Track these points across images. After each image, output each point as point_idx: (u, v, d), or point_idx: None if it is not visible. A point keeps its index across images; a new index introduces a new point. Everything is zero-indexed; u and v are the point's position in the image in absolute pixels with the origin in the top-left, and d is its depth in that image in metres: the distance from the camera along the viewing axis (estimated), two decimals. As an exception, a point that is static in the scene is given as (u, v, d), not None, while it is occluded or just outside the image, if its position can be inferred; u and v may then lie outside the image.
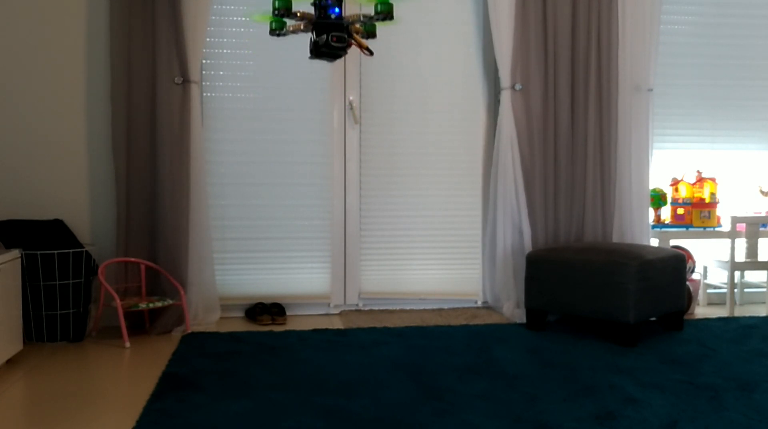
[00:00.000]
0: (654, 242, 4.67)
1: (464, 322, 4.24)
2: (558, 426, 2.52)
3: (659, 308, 3.84)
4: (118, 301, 3.76)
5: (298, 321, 4.34)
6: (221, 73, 4.42)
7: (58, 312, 3.76)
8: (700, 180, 4.68)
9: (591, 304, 3.78)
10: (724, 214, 4.85)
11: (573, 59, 4.49)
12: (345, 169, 4.57)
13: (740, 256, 4.51)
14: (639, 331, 3.92)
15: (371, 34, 3.17)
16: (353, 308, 4.64)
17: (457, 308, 4.67)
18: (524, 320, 4.19)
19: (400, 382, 3.04)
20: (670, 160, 4.94)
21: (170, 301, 3.98)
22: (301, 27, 3.05)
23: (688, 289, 4.45)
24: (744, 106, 5.01)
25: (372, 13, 3.05)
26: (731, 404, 2.75)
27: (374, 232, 4.66)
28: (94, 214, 4.24)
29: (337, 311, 4.60)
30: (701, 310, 4.68)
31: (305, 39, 4.45)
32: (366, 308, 4.65)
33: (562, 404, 2.76)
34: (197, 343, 3.70)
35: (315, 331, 4.02)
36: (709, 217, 4.62)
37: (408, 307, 4.69)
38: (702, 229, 4.63)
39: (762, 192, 4.90)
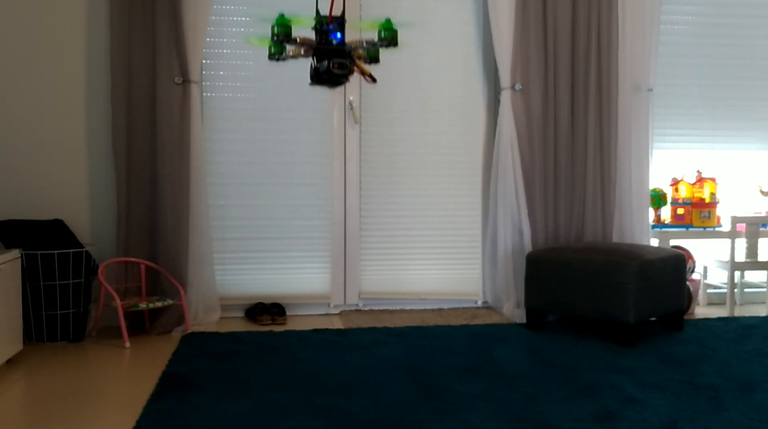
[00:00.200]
0: (654, 242, 4.67)
1: (464, 322, 4.24)
2: (558, 426, 2.52)
3: (659, 308, 3.84)
4: (118, 301, 3.76)
5: (298, 321, 4.34)
6: (221, 73, 4.42)
7: (58, 312, 3.76)
8: (700, 180, 4.68)
9: (591, 304, 3.78)
10: (724, 214, 4.85)
11: (573, 59, 4.49)
12: (345, 169, 4.57)
13: (740, 256, 4.51)
14: (639, 331, 3.92)
15: (374, 59, 3.06)
16: (353, 308, 4.64)
17: (457, 308, 4.67)
18: (524, 320, 4.19)
19: (400, 382, 3.04)
20: (670, 160, 4.94)
21: (170, 301, 3.98)
22: (302, 52, 2.96)
23: (688, 289, 4.45)
24: (744, 106, 5.01)
25: (375, 39, 2.96)
26: (731, 404, 2.75)
27: (374, 232, 4.66)
28: (94, 214, 4.24)
29: (337, 311, 4.60)
30: (701, 310, 4.68)
31: (307, 34, 4.45)
32: (366, 308, 4.65)
33: (562, 404, 2.76)
34: (197, 343, 3.70)
35: (315, 331, 4.02)
36: (709, 217, 4.62)
37: (408, 307, 4.69)
38: (702, 229, 4.63)
39: (762, 192, 4.90)
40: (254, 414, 2.64)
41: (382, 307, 4.67)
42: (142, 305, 3.85)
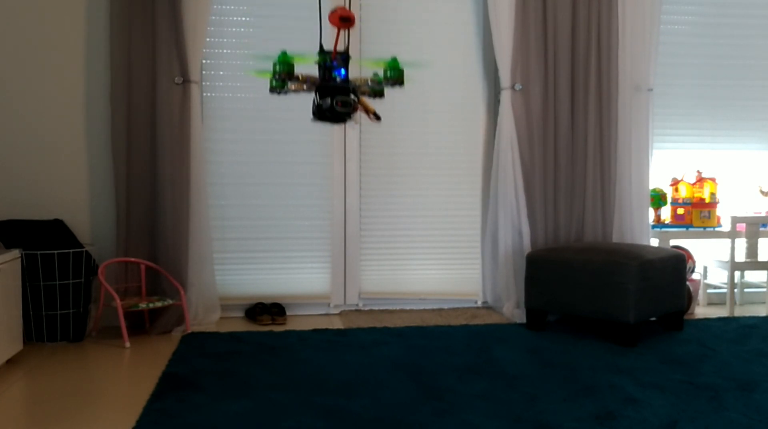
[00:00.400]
0: (654, 242, 4.67)
1: (464, 322, 4.24)
2: (558, 426, 2.52)
3: (659, 308, 3.84)
4: (118, 301, 3.76)
5: (298, 321, 4.34)
6: (221, 73, 4.42)
7: (58, 312, 3.76)
8: (700, 180, 4.68)
9: (591, 304, 3.78)
10: (724, 214, 4.85)
11: (573, 59, 4.49)
12: (345, 169, 4.57)
13: (740, 256, 4.51)
14: (639, 331, 3.92)
15: (379, 93, 2.98)
16: (353, 308, 4.64)
17: (457, 308, 4.67)
18: (524, 320, 4.19)
19: (400, 382, 3.04)
20: (670, 160, 4.94)
21: (170, 301, 3.98)
22: (304, 87, 2.87)
23: (688, 289, 4.45)
24: (744, 106, 5.01)
25: (380, 76, 2.87)
26: (731, 404, 2.75)
27: (374, 232, 4.66)
28: (94, 214, 4.24)
29: (337, 311, 4.60)
30: (701, 310, 4.68)
31: (306, 37, 4.46)
32: (366, 308, 4.65)
33: (562, 404, 2.76)
34: (197, 343, 3.70)
35: (315, 331, 4.02)
36: (709, 217, 4.61)
37: (408, 307, 4.69)
38: (702, 229, 4.63)
39: (762, 192, 4.90)
40: (254, 414, 2.64)
41: (382, 307, 4.67)
42: (142, 305, 3.85)
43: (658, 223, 4.73)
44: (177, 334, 3.97)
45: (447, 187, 4.71)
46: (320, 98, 2.81)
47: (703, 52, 4.93)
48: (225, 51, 4.40)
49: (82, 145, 4.21)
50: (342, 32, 2.79)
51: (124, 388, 3.01)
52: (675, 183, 4.74)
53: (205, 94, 4.39)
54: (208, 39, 4.34)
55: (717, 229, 4.65)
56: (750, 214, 4.86)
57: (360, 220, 4.62)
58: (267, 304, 4.44)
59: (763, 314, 4.50)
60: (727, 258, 4.49)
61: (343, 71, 2.81)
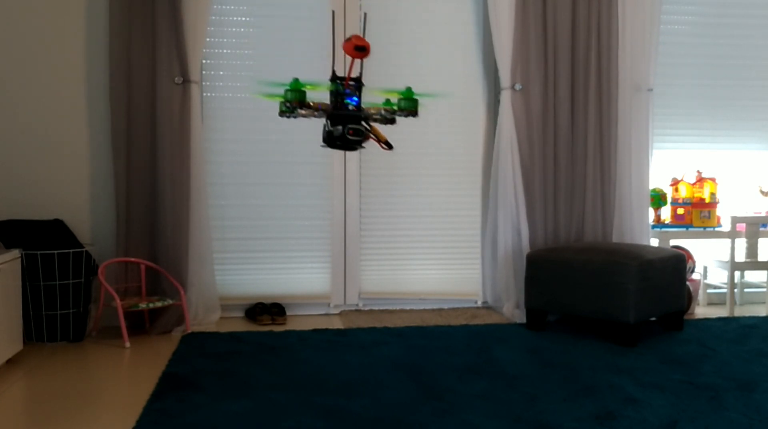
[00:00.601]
0: (654, 242, 4.67)
1: (464, 322, 4.24)
2: (558, 426, 2.52)
3: (659, 308, 3.84)
4: (118, 301, 3.76)
5: (298, 321, 4.34)
6: (221, 73, 4.42)
7: (58, 312, 3.76)
8: (700, 180, 4.68)
9: (591, 304, 3.78)
10: (724, 214, 4.85)
11: (573, 59, 4.49)
12: (345, 169, 4.57)
13: (740, 256, 4.51)
14: (639, 331, 3.92)
15: (390, 121, 2.95)
16: (353, 308, 4.64)
17: (457, 308, 4.67)
18: (524, 320, 4.19)
19: (400, 382, 3.04)
20: (670, 160, 4.94)
21: (170, 301, 3.98)
22: (315, 113, 2.83)
23: (688, 289, 4.45)
24: (744, 106, 5.01)
25: (393, 104, 2.81)
26: (731, 404, 2.75)
27: (374, 232, 4.66)
28: (94, 214, 4.24)
29: (337, 311, 4.60)
30: (701, 310, 4.68)
31: (307, 35, 4.46)
32: (366, 308, 4.65)
33: (562, 404, 2.76)
34: (197, 343, 3.70)
35: (315, 331, 4.02)
36: (709, 217, 4.62)
37: (408, 307, 4.69)
38: (702, 229, 4.63)
39: (762, 192, 4.90)
40: (254, 414, 2.64)
41: (382, 307, 4.67)
42: (142, 305, 3.85)
43: (658, 223, 4.73)
44: (177, 334, 3.97)
45: (447, 187, 4.71)
46: (332, 125, 2.76)
47: (703, 52, 4.93)
48: (225, 51, 4.40)
49: (83, 145, 4.21)
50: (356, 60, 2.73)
51: (124, 388, 3.01)
52: (675, 183, 4.75)
53: (205, 94, 4.39)
54: (208, 39, 4.34)
55: (717, 229, 4.65)
56: (750, 214, 4.86)
57: (360, 220, 4.62)
58: (267, 304, 4.44)
59: (763, 314, 4.50)
60: (727, 258, 4.49)
61: (355, 99, 2.77)
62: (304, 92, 2.77)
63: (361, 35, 2.79)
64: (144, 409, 2.70)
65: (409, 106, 2.83)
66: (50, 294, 3.73)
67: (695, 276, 4.78)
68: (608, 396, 2.85)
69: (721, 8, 4.92)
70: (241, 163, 4.47)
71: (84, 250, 3.83)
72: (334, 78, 2.84)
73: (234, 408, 2.70)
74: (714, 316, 4.46)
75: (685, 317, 4.33)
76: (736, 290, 4.88)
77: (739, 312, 4.62)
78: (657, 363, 3.34)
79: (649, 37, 4.53)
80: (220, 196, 4.46)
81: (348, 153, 4.56)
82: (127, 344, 3.74)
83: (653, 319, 4.05)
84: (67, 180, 4.20)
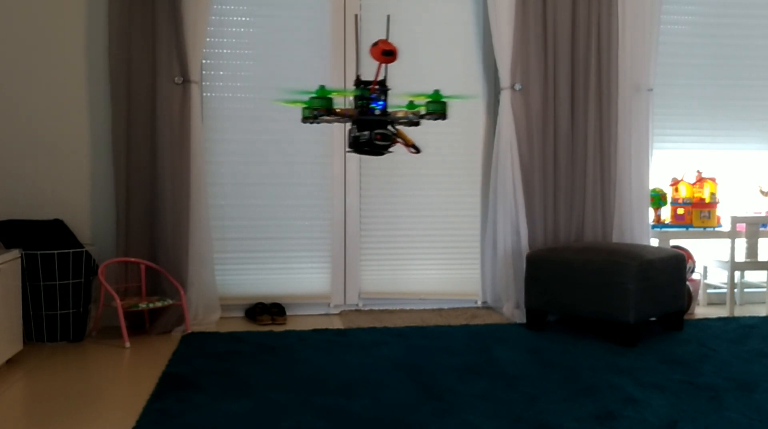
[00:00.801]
0: (654, 242, 4.67)
1: (464, 322, 4.24)
2: (558, 426, 2.52)
3: (659, 308, 3.84)
4: (118, 301, 3.76)
5: (298, 321, 4.34)
6: (221, 73, 4.42)
7: (58, 312, 3.76)
8: (700, 180, 4.68)
9: (591, 304, 3.78)
10: (724, 214, 4.85)
11: (573, 59, 4.49)
12: (345, 169, 4.57)
13: (740, 256, 4.51)
14: (639, 331, 3.92)
15: (414, 123, 2.91)
16: (353, 308, 4.64)
17: (457, 308, 4.67)
18: (524, 320, 4.19)
19: (400, 382, 3.04)
20: (670, 160, 4.94)
21: (170, 301, 3.98)
22: (340, 119, 2.80)
23: (688, 289, 4.45)
24: (744, 106, 5.01)
25: (417, 105, 2.76)
26: (731, 404, 2.75)
27: (374, 232, 4.66)
28: (94, 214, 4.24)
29: (337, 311, 4.60)
30: (701, 310, 4.68)
31: (307, 35, 4.46)
32: (366, 308, 4.65)
33: (562, 404, 2.76)
34: (197, 343, 3.70)
35: (315, 331, 4.02)
36: (709, 217, 4.61)
37: (408, 307, 4.69)
38: (702, 229, 4.63)
39: (762, 192, 4.90)
40: (254, 414, 2.64)
41: (382, 307, 4.67)
42: (142, 305, 3.85)
43: (658, 223, 4.73)
44: (177, 334, 3.97)
45: (447, 187, 4.71)
46: (358, 130, 2.73)
47: (703, 52, 4.93)
48: (225, 51, 4.40)
49: (83, 145, 4.21)
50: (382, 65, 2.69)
51: (124, 388, 3.01)
52: (675, 183, 4.75)
53: (205, 94, 4.39)
54: (208, 39, 4.34)
55: (717, 229, 4.65)
56: (750, 214, 4.86)
57: (360, 220, 4.62)
58: (267, 304, 4.44)
59: (763, 314, 4.50)
60: (727, 258, 4.49)
61: (381, 103, 2.74)
62: (331, 100, 2.74)
63: (386, 38, 2.77)
64: (144, 409, 2.70)
65: (437, 109, 2.80)
66: (50, 294, 3.73)
67: (695, 276, 4.78)
68: (608, 396, 2.85)
69: (721, 8, 4.91)
70: (241, 163, 4.47)
71: (84, 250, 3.83)
72: (359, 83, 2.82)
73: (234, 408, 2.70)
74: (714, 316, 4.46)
75: (685, 317, 4.32)
76: (736, 290, 4.88)
77: (739, 312, 4.62)
78: (657, 363, 3.34)
79: (649, 37, 4.53)
80: (220, 196, 4.46)
81: (347, 153, 4.55)
82: (127, 344, 3.73)
83: (653, 319, 4.05)
84: (67, 180, 4.20)
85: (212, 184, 4.43)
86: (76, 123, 4.20)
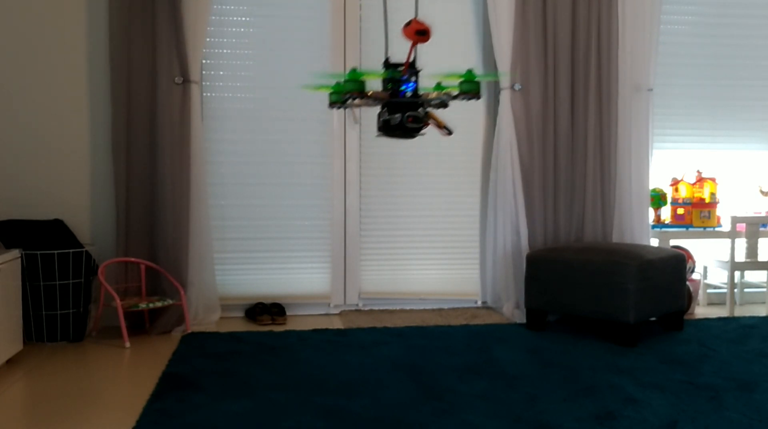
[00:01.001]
0: (654, 242, 4.67)
1: (464, 322, 4.24)
2: (558, 426, 2.52)
3: (659, 308, 3.84)
4: (118, 301, 3.76)
5: (298, 321, 4.34)
6: (221, 73, 4.42)
7: (58, 312, 3.76)
8: (700, 180, 4.68)
9: (591, 304, 3.78)
10: (724, 214, 4.85)
11: (573, 59, 4.49)
12: (345, 169, 4.57)
13: (740, 256, 4.51)
14: (639, 331, 3.92)
15: (442, 105, 2.86)
16: (353, 308, 4.64)
17: (457, 308, 4.67)
18: (524, 320, 4.19)
19: (400, 382, 3.04)
20: (670, 160, 4.94)
21: (170, 301, 3.98)
22: (370, 103, 2.75)
23: (688, 289, 4.45)
24: (744, 106, 5.01)
25: (445, 87, 2.72)
26: (731, 404, 2.75)
27: (374, 232, 4.66)
28: (94, 214, 4.24)
29: (337, 311, 4.60)
30: (701, 310, 4.68)
31: (307, 35, 4.46)
32: (366, 308, 4.65)
33: (562, 404, 2.76)
34: (197, 343, 3.70)
35: (315, 331, 4.02)
36: (709, 217, 4.62)
37: (408, 307, 4.69)
38: (702, 229, 4.63)
39: (762, 192, 4.90)
40: (254, 414, 2.64)
41: (382, 307, 4.67)
42: (142, 305, 3.85)
43: (658, 223, 4.73)
44: (177, 334, 3.97)
45: (446, 187, 4.71)
46: (389, 114, 2.69)
47: (703, 52, 4.93)
48: (225, 51, 4.40)
49: (83, 145, 4.21)
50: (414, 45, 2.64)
51: (124, 388, 3.01)
52: (675, 183, 4.75)
53: (205, 94, 4.39)
54: (208, 39, 4.34)
55: (717, 229, 4.65)
56: (750, 214, 4.86)
57: (360, 220, 4.62)
58: (267, 304, 4.44)
59: (763, 314, 4.50)
60: (727, 258, 4.49)
61: (412, 84, 2.70)
62: (363, 82, 2.69)
63: (416, 18, 2.72)
64: (144, 409, 2.70)
65: (471, 88, 2.74)
66: (50, 294, 3.73)
67: (695, 276, 4.78)
68: (608, 396, 2.85)
69: (721, 8, 4.91)
70: (241, 163, 4.47)
71: (84, 250, 3.83)
72: (388, 65, 2.78)
73: (234, 408, 2.70)
74: (714, 316, 4.46)
75: (685, 317, 4.32)
76: (736, 290, 4.88)
77: (739, 312, 4.62)
78: (657, 363, 3.34)
79: (649, 37, 4.53)
80: (220, 196, 4.46)
81: (347, 152, 4.55)
82: (127, 344, 3.74)
83: (653, 319, 4.05)
84: (67, 180, 4.20)
85: (212, 184, 4.43)
86: (76, 123, 4.20)
